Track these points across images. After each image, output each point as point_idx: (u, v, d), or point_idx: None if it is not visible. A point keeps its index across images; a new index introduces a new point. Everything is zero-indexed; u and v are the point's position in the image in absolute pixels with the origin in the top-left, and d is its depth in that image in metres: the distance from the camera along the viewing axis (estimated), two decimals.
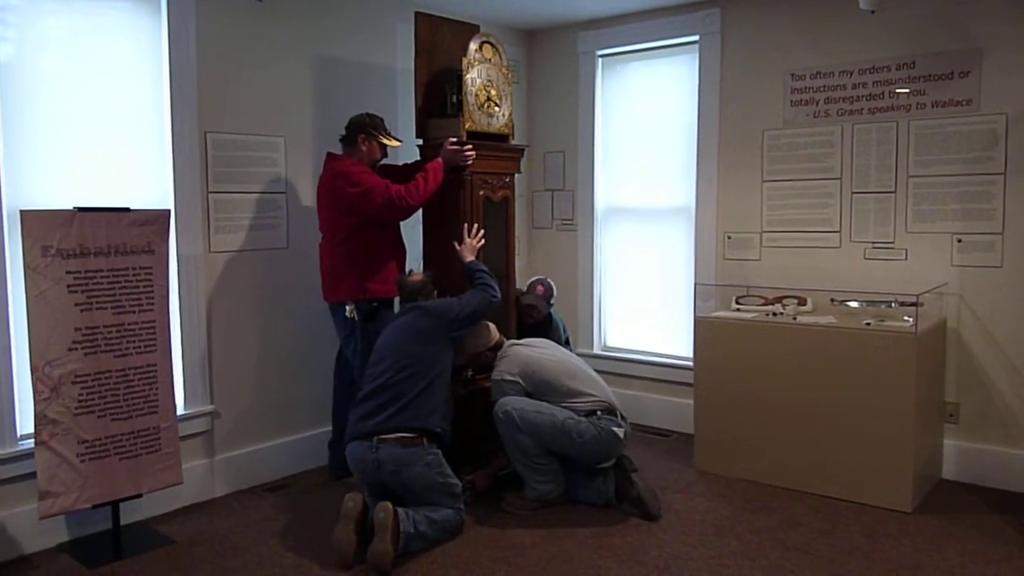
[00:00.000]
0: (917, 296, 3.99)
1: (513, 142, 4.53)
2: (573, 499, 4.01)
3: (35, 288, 3.26)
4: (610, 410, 3.95)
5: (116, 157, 3.82)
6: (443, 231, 4.29)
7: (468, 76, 4.13)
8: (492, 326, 4.16)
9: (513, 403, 3.87)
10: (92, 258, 3.39)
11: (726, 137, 5.01)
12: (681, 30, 5.15)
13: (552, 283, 4.84)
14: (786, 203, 4.80)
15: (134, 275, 3.52)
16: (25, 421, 3.47)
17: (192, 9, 3.98)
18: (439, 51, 4.31)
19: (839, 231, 4.64)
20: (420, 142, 4.39)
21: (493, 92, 4.27)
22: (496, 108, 4.30)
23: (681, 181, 5.32)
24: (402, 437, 3.52)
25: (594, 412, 3.90)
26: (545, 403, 3.91)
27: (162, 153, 3.97)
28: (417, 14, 4.29)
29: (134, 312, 3.52)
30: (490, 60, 4.26)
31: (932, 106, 4.31)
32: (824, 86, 4.63)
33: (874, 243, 4.53)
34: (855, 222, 4.58)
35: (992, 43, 4.13)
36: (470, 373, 4.23)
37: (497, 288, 4.07)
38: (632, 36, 5.40)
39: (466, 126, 4.16)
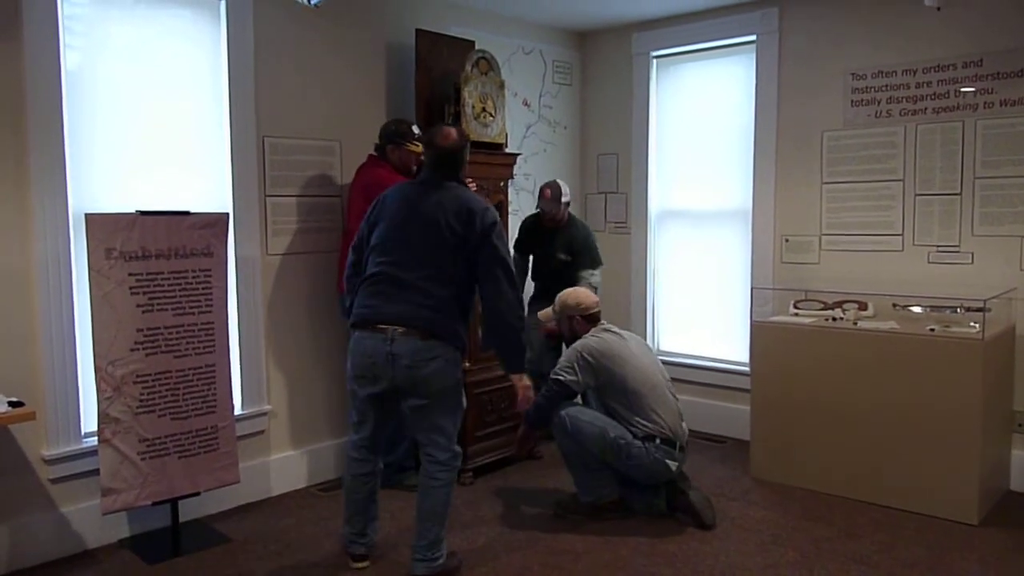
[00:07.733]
0: (984, 301, 3.86)
1: (506, 151, 4.75)
2: (627, 508, 3.96)
3: (99, 289, 3.34)
4: (670, 441, 3.80)
5: (177, 161, 3.90)
6: None
7: (465, 90, 4.38)
8: (596, 296, 4.10)
9: (570, 410, 3.86)
10: (153, 260, 3.47)
11: (784, 138, 4.92)
12: (738, 30, 5.08)
13: (561, 183, 4.64)
14: (846, 205, 4.70)
15: (194, 277, 3.59)
16: (89, 419, 3.55)
17: (250, 15, 4.05)
18: (437, 67, 4.56)
19: (901, 234, 4.51)
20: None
21: (488, 104, 4.55)
22: (491, 118, 4.57)
23: (737, 183, 5.24)
24: (423, 331, 3.10)
25: (653, 438, 3.77)
26: (602, 415, 3.85)
27: (221, 157, 4.05)
28: (417, 31, 4.50)
29: (194, 313, 3.59)
30: (486, 75, 4.53)
31: (1000, 105, 4.17)
32: (886, 85, 4.51)
33: (938, 247, 4.40)
34: (918, 225, 4.45)
35: None
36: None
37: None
38: (688, 36, 5.34)
39: None
